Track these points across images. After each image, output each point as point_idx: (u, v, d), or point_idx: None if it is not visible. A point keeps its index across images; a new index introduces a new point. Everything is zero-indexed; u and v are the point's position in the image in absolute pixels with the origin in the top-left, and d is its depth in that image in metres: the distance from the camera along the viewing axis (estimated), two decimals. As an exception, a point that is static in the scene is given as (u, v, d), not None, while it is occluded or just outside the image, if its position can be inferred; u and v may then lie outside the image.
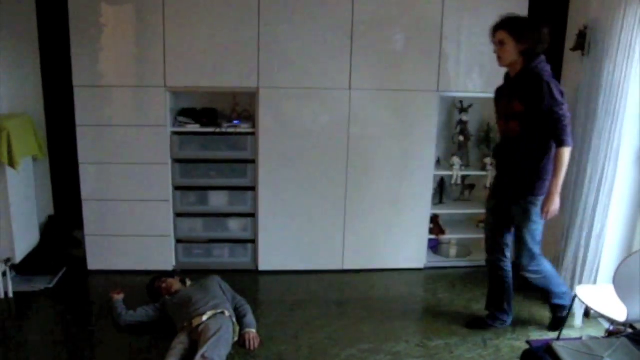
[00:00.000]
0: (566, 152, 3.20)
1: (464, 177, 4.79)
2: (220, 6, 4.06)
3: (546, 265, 3.55)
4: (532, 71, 3.22)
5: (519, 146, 3.33)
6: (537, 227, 3.43)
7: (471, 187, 4.90)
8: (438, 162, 4.71)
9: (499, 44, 3.27)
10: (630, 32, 3.41)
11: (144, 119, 4.20)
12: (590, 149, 3.73)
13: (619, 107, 3.51)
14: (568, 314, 3.58)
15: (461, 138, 4.67)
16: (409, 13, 4.19)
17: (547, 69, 3.24)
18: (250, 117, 4.46)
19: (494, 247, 3.64)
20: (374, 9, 4.12)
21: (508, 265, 3.68)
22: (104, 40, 4.05)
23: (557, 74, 4.37)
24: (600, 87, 3.62)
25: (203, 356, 3.03)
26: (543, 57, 3.26)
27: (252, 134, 4.33)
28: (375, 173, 4.39)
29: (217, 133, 4.32)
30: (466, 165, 4.68)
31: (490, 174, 4.58)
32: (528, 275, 3.54)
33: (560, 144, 3.19)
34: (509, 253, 3.67)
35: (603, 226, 3.69)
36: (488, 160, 4.59)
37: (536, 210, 3.35)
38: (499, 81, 4.40)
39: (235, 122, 4.36)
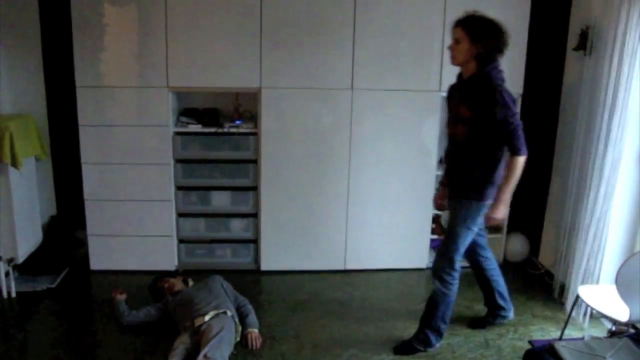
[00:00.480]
0: (520, 161, 3.13)
1: (466, 177, 4.78)
2: (223, 6, 4.06)
3: (456, 286, 3.37)
4: (484, 77, 3.09)
5: (464, 152, 3.23)
6: (464, 234, 3.28)
7: (473, 187, 4.89)
8: (440, 162, 4.71)
9: (455, 42, 3.13)
10: (633, 31, 3.41)
11: (146, 119, 4.21)
12: (591, 149, 3.73)
13: (620, 107, 3.51)
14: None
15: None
16: (410, 13, 4.19)
17: (500, 76, 3.11)
18: (252, 117, 4.46)
19: (469, 248, 3.47)
20: (376, 10, 4.12)
21: (491, 263, 3.67)
22: (106, 40, 4.06)
23: (559, 74, 4.39)
24: (602, 86, 3.62)
25: (205, 356, 3.04)
26: (498, 63, 3.12)
27: (254, 134, 4.33)
28: (377, 173, 4.40)
29: (219, 133, 4.32)
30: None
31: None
32: (436, 282, 3.36)
33: (516, 152, 3.11)
34: (487, 252, 3.66)
35: (605, 226, 3.68)
36: (490, 160, 4.59)
37: (467, 214, 3.24)
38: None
39: (237, 122, 4.36)
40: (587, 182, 3.79)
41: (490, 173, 3.19)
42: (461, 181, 3.28)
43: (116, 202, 4.31)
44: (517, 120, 3.09)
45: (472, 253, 3.60)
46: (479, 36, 3.06)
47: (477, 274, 3.74)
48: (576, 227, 3.92)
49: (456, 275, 3.35)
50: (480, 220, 3.31)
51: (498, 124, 3.06)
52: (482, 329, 3.73)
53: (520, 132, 3.11)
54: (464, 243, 3.30)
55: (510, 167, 3.14)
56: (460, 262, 3.35)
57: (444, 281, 3.33)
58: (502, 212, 3.20)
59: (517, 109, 3.14)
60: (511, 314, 3.77)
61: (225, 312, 3.41)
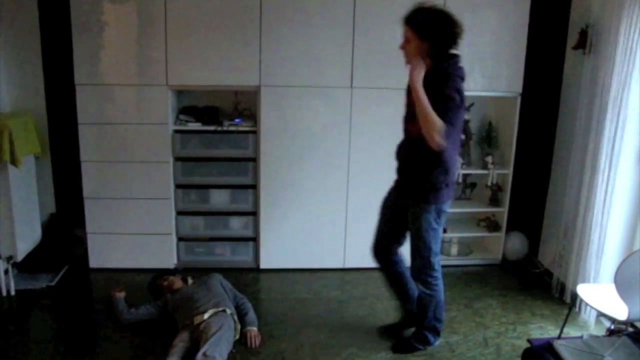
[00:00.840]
0: (438, 124, 2.81)
1: (465, 176, 4.79)
2: (222, 4, 4.06)
3: (440, 285, 3.34)
4: (443, 71, 2.92)
5: (416, 148, 3.04)
6: (431, 236, 3.18)
7: (472, 185, 4.90)
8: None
9: (404, 41, 2.97)
10: (633, 30, 3.40)
11: (145, 117, 4.21)
12: (591, 147, 3.73)
13: (620, 105, 3.51)
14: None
15: (462, 137, 4.66)
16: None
17: (459, 72, 2.96)
18: (251, 115, 4.46)
19: (381, 246, 3.45)
20: (375, 7, 4.12)
21: (399, 261, 3.49)
22: (105, 38, 4.06)
23: (559, 73, 4.39)
24: (602, 85, 3.62)
25: (204, 354, 3.04)
26: (458, 59, 2.98)
27: (254, 132, 4.33)
28: (376, 171, 4.38)
29: (218, 131, 4.32)
30: (467, 164, 4.68)
31: (491, 173, 4.59)
32: (420, 285, 3.30)
33: (443, 120, 2.83)
34: (398, 256, 3.50)
35: (604, 225, 3.69)
36: (489, 159, 4.60)
37: (429, 218, 3.14)
38: (501, 80, 4.43)
39: (237, 120, 4.36)
40: (586, 181, 3.79)
41: (444, 173, 3.05)
42: (415, 182, 3.15)
43: (115, 200, 4.31)
44: (457, 103, 2.89)
45: (384, 244, 3.47)
46: (427, 32, 2.89)
47: (391, 277, 3.55)
48: (575, 226, 3.92)
49: (438, 274, 3.31)
50: (444, 217, 3.21)
51: (440, 98, 2.86)
52: (394, 337, 3.57)
53: (453, 110, 2.88)
54: (437, 243, 3.24)
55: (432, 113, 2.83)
56: (439, 261, 3.30)
57: (427, 283, 3.29)
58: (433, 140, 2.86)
59: (461, 111, 2.97)
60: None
61: (224, 311, 3.41)
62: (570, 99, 4.27)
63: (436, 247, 3.24)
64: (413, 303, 3.50)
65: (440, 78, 2.89)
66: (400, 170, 3.27)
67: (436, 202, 3.12)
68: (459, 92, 2.91)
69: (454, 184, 3.17)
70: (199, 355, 3.03)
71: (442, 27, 2.89)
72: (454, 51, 2.97)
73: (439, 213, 3.16)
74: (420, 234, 3.18)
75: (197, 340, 3.21)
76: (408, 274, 3.43)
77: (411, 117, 3.08)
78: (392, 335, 3.59)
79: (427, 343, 3.45)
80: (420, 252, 3.23)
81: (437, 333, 3.46)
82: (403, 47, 2.99)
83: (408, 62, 2.99)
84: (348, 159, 4.35)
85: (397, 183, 3.33)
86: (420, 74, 2.88)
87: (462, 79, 2.97)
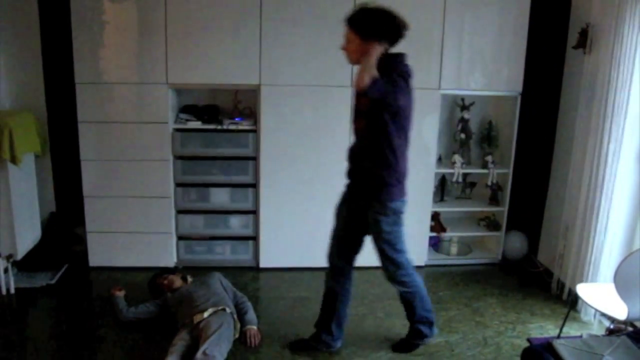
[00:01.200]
0: (366, 80, 2.75)
1: (465, 175, 4.80)
2: (222, 3, 4.06)
3: (416, 279, 3.30)
4: (385, 70, 2.85)
5: (364, 147, 3.06)
6: (394, 236, 3.14)
7: (472, 185, 4.90)
8: (439, 159, 4.72)
9: (346, 41, 2.94)
10: (633, 30, 3.41)
11: (145, 116, 4.21)
12: (591, 147, 3.73)
13: (620, 105, 3.51)
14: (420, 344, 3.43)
15: (462, 136, 4.67)
16: (410, 11, 4.17)
17: (406, 69, 2.93)
18: (251, 114, 4.46)
19: (339, 252, 3.33)
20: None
21: (349, 282, 3.38)
22: (105, 37, 4.06)
23: (559, 72, 4.39)
24: (602, 85, 3.62)
25: (204, 353, 3.04)
26: (403, 57, 2.97)
27: (254, 131, 4.33)
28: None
29: (218, 130, 4.32)
30: (467, 163, 4.69)
31: (491, 172, 4.59)
32: (396, 286, 3.28)
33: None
34: (351, 269, 3.38)
35: (604, 225, 3.69)
36: (489, 159, 4.61)
37: (387, 219, 3.09)
38: (501, 79, 4.44)
39: (238, 119, 4.36)
40: (586, 180, 3.79)
41: (393, 170, 3.02)
42: (366, 181, 3.10)
43: (115, 199, 4.32)
44: (394, 100, 2.85)
45: (341, 257, 3.34)
46: (368, 33, 2.86)
47: (330, 285, 3.39)
48: (575, 225, 3.92)
49: (410, 271, 3.26)
50: (403, 215, 3.15)
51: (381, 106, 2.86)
52: (303, 351, 3.41)
53: (391, 99, 2.84)
54: (401, 241, 3.19)
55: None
56: (407, 258, 3.25)
57: (404, 283, 3.26)
58: (363, 79, 2.78)
59: (405, 102, 2.91)
60: (337, 346, 3.43)
61: (224, 309, 3.41)
62: (570, 99, 4.27)
63: (401, 245, 3.19)
64: (333, 334, 3.38)
65: (384, 75, 2.84)
66: (351, 172, 3.20)
67: (390, 200, 3.06)
68: (400, 91, 2.86)
69: (404, 183, 3.13)
70: (199, 353, 3.03)
71: (383, 27, 2.87)
72: (397, 50, 2.97)
73: (396, 212, 3.10)
74: (382, 237, 3.14)
75: (197, 339, 3.21)
76: (349, 298, 3.39)
77: (356, 116, 3.09)
78: (301, 349, 3.43)
79: (423, 336, 3.43)
80: (387, 254, 3.18)
81: (430, 324, 3.43)
82: (344, 48, 2.96)
83: (350, 62, 3.00)
84: (348, 158, 4.35)
85: (349, 186, 3.26)
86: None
87: (406, 78, 2.92)
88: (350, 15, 2.92)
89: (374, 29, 2.86)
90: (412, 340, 3.45)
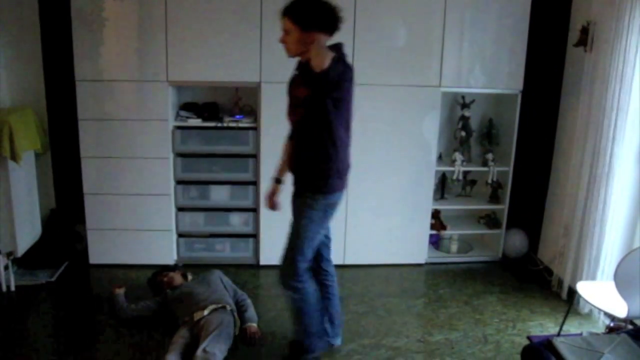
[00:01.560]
0: (327, 59, 2.68)
1: (465, 173, 4.79)
2: (222, 0, 4.05)
3: (310, 290, 3.07)
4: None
5: (303, 137, 2.94)
6: (309, 235, 2.96)
7: (473, 182, 4.90)
8: (440, 157, 4.72)
9: (284, 33, 2.81)
10: (634, 28, 3.40)
11: (145, 113, 4.20)
12: (591, 145, 3.73)
13: (621, 103, 3.51)
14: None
15: (463, 134, 4.67)
16: (411, 8, 4.18)
17: (346, 59, 2.86)
18: (252, 111, 4.45)
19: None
20: (375, 4, 4.11)
21: (331, 279, 3.32)
22: (106, 34, 4.05)
23: (560, 70, 4.38)
24: (603, 83, 3.62)
25: (204, 350, 3.04)
26: (342, 46, 2.87)
27: (254, 128, 4.33)
28: (376, 168, 4.39)
29: (218, 127, 4.32)
30: (468, 160, 4.68)
31: (492, 170, 4.59)
32: (287, 292, 3.06)
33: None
34: (329, 265, 3.33)
35: (604, 223, 3.69)
36: (490, 156, 4.61)
37: (310, 214, 2.93)
38: (502, 77, 4.43)
39: (238, 117, 4.36)
40: (586, 178, 3.79)
41: (331, 160, 2.88)
42: (302, 172, 2.99)
43: (116, 196, 4.31)
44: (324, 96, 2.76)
45: (313, 264, 3.18)
46: (309, 23, 2.73)
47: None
48: (575, 223, 3.92)
49: (304, 278, 3.02)
50: (328, 219, 3.03)
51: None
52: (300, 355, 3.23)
53: (341, 84, 2.77)
54: (310, 245, 2.99)
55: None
56: (306, 265, 3.02)
57: (294, 288, 3.02)
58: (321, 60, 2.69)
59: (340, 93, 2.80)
60: (338, 341, 3.39)
61: (224, 307, 3.41)
62: (570, 97, 4.27)
63: (309, 250, 2.99)
64: (328, 334, 3.32)
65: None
66: (290, 165, 3.09)
67: (322, 192, 2.91)
68: (338, 80, 2.76)
69: (343, 177, 2.98)
70: (199, 351, 3.03)
71: (323, 17, 2.75)
72: (335, 41, 2.86)
73: (325, 207, 2.95)
74: (298, 230, 2.97)
75: (197, 337, 3.21)
76: (332, 293, 3.31)
77: (292, 108, 2.97)
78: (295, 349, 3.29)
79: (311, 351, 3.18)
80: (290, 253, 2.99)
81: (319, 336, 3.19)
82: (283, 40, 2.84)
83: (289, 54, 2.87)
84: (348, 156, 4.34)
85: (281, 183, 3.20)
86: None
87: (343, 68, 2.80)
88: (287, 6, 2.77)
89: (314, 19, 2.73)
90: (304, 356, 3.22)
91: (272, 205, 3.29)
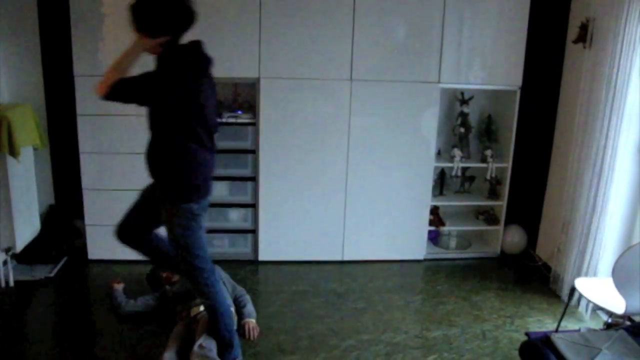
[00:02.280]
0: (115, 76, 2.67)
1: (464, 169, 4.79)
2: (222, -4, 4.05)
3: (218, 291, 3.06)
4: (164, 57, 2.75)
5: (157, 145, 2.87)
6: (193, 241, 2.90)
7: (471, 179, 4.90)
8: (438, 153, 4.72)
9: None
10: (633, 24, 3.40)
11: (144, 109, 4.18)
12: (590, 141, 3.73)
13: (620, 100, 3.51)
14: None
15: (462, 130, 4.67)
16: (410, 4, 4.17)
17: (197, 60, 2.78)
18: (251, 107, 4.45)
19: (129, 226, 3.13)
20: (375, 0, 4.11)
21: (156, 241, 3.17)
22: (105, 29, 4.04)
23: (559, 66, 4.38)
24: (602, 79, 3.61)
25: (200, 346, 3.04)
26: (194, 47, 2.82)
27: (253, 124, 4.32)
28: (375, 164, 4.40)
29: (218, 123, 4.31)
30: (467, 157, 4.68)
31: (490, 166, 4.59)
32: (200, 298, 3.11)
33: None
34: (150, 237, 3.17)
35: (602, 219, 3.69)
36: (489, 153, 4.60)
37: (183, 224, 2.85)
38: (501, 73, 4.43)
39: (238, 112, 4.35)
40: (585, 175, 3.79)
41: (186, 169, 2.82)
42: (161, 180, 2.91)
43: (114, 192, 4.30)
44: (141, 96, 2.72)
45: (135, 237, 3.15)
46: (139, 23, 2.66)
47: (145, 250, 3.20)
48: (574, 219, 3.93)
49: (212, 280, 3.01)
50: (200, 218, 2.91)
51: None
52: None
53: (155, 98, 2.73)
54: (201, 247, 2.94)
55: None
56: (208, 266, 3.00)
57: (206, 294, 3.01)
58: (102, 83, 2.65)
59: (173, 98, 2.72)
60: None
61: (223, 303, 3.41)
62: (570, 93, 4.27)
63: (202, 251, 2.95)
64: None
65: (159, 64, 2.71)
66: (148, 168, 2.99)
67: (184, 201, 2.83)
68: (176, 87, 2.68)
69: (205, 186, 2.92)
70: (196, 347, 3.03)
71: (151, 16, 2.65)
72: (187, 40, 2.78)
73: (192, 213, 2.85)
74: (181, 242, 2.90)
75: (194, 332, 3.22)
76: (160, 239, 3.16)
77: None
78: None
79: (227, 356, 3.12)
80: (188, 264, 2.95)
81: (229, 346, 3.11)
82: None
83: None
84: (347, 152, 4.35)
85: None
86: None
87: (195, 70, 2.75)
88: (131, 6, 2.66)
89: (142, 19, 2.64)
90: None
91: None
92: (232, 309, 3.47)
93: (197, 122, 2.79)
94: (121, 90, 2.64)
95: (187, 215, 2.85)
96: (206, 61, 2.83)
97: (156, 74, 2.71)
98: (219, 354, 3.07)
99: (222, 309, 3.08)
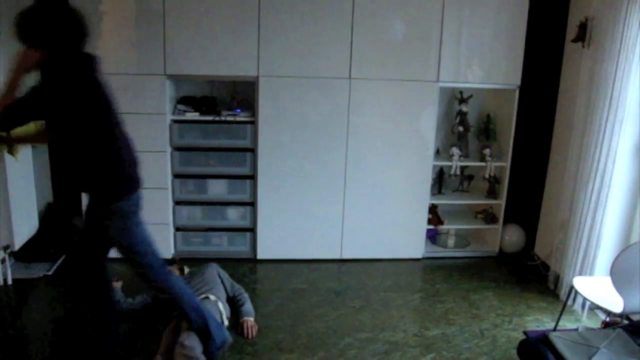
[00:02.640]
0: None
1: (463, 168, 4.80)
2: (221, -6, 4.05)
3: (174, 284, 2.97)
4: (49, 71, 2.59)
5: (62, 151, 2.77)
6: (136, 239, 2.82)
7: (470, 177, 4.90)
8: (437, 152, 4.72)
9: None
10: (632, 24, 3.40)
11: (143, 107, 4.19)
12: (589, 141, 3.73)
13: (618, 99, 3.51)
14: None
15: (461, 129, 4.67)
16: (409, 3, 4.17)
17: (77, 70, 2.66)
18: (249, 105, 4.45)
19: (82, 253, 3.03)
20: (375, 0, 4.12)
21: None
22: (103, 27, 4.03)
23: (558, 66, 4.38)
24: (601, 79, 3.62)
25: (182, 345, 2.95)
26: (86, 57, 2.73)
27: (252, 122, 4.32)
28: (374, 163, 4.40)
29: (216, 121, 4.31)
30: (465, 155, 4.68)
31: (489, 165, 4.60)
32: (160, 295, 3.04)
33: None
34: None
35: (601, 218, 3.70)
36: (487, 152, 4.61)
37: (114, 223, 2.76)
38: (500, 72, 4.43)
39: (235, 110, 4.35)
40: (583, 174, 3.80)
41: (105, 166, 2.73)
42: (85, 187, 2.84)
43: (113, 190, 4.30)
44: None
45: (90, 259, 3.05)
46: (31, 37, 2.56)
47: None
48: (572, 218, 3.93)
49: (163, 274, 2.93)
50: (133, 215, 2.81)
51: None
52: None
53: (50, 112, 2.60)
54: (147, 243, 2.86)
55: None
56: (158, 262, 2.93)
57: (160, 289, 2.96)
58: None
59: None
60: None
61: (207, 297, 3.40)
62: (568, 92, 4.27)
63: (149, 248, 2.87)
64: None
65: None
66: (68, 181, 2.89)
67: (111, 202, 2.73)
68: (64, 98, 2.56)
69: (132, 177, 2.88)
70: (177, 345, 2.97)
71: (34, 30, 2.55)
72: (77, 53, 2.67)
73: (126, 212, 2.77)
74: (126, 244, 2.82)
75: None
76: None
77: None
78: None
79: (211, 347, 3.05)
80: (138, 263, 2.87)
81: (208, 336, 3.03)
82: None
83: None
84: (346, 150, 4.35)
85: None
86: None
87: (75, 67, 2.63)
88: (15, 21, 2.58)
89: (29, 32, 2.55)
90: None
91: None
92: (221, 303, 3.44)
93: (107, 115, 2.74)
94: (13, 116, 2.53)
95: (119, 215, 2.75)
96: (91, 57, 2.73)
97: (49, 80, 2.55)
98: (204, 347, 3.00)
99: (184, 298, 2.98)
